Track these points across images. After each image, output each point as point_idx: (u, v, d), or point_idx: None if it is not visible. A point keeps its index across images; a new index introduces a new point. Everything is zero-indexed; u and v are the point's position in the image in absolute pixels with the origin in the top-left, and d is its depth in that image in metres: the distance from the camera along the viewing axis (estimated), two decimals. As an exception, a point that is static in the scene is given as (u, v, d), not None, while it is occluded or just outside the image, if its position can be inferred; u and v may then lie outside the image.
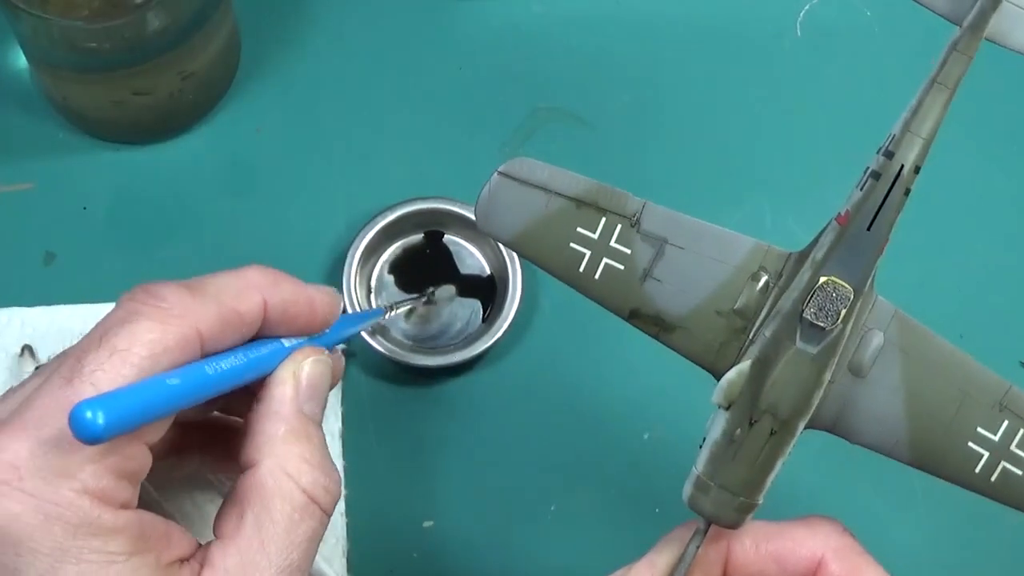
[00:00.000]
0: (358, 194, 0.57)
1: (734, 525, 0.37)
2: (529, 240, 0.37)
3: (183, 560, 0.35)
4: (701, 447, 0.37)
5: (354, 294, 0.54)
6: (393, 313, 0.53)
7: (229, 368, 0.36)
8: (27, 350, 0.53)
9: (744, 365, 0.36)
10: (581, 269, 0.37)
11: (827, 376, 0.36)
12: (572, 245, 0.37)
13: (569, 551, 0.53)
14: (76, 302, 0.54)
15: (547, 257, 0.37)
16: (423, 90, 0.60)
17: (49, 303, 0.54)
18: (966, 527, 0.55)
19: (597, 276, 0.37)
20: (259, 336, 0.38)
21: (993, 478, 0.37)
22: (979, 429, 0.37)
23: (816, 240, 0.37)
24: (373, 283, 0.56)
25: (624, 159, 0.59)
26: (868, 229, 0.36)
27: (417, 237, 0.57)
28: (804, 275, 0.36)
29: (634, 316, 0.38)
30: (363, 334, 0.53)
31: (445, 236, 0.57)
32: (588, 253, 0.37)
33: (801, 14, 0.62)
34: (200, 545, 0.36)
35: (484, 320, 0.56)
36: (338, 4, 0.61)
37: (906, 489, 0.55)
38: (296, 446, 0.37)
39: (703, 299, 0.37)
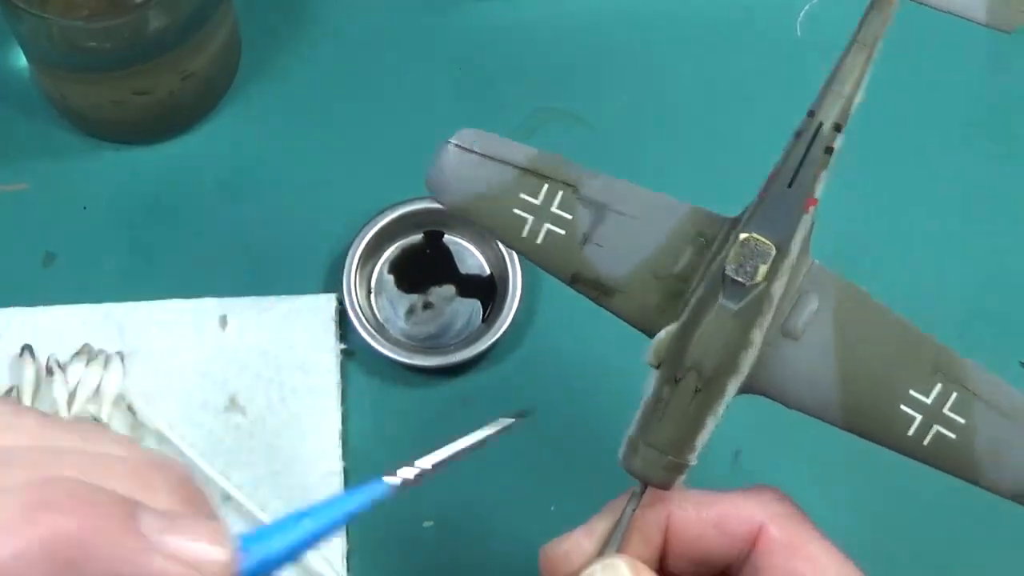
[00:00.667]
0: (358, 194, 0.57)
1: (664, 485, 0.37)
2: (478, 207, 0.38)
3: None
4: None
5: (354, 294, 0.54)
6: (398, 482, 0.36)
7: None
8: (27, 350, 0.53)
9: (674, 325, 0.37)
10: (524, 234, 0.38)
11: (755, 336, 0.36)
12: (515, 211, 0.38)
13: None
14: (76, 302, 0.54)
15: (494, 222, 0.38)
16: (423, 90, 0.60)
17: (49, 303, 0.54)
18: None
19: (539, 241, 0.38)
20: None
21: (926, 442, 0.36)
22: (912, 392, 0.36)
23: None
24: (373, 283, 0.56)
25: (624, 159, 0.59)
26: (789, 186, 0.36)
27: (417, 237, 0.57)
28: (732, 235, 0.37)
29: (576, 280, 0.38)
30: (363, 334, 0.53)
31: (445, 236, 0.57)
32: (531, 218, 0.38)
33: (801, 14, 0.62)
34: None
35: (484, 320, 0.56)
36: (338, 4, 0.61)
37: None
38: None
39: (641, 262, 0.37)
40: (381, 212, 0.55)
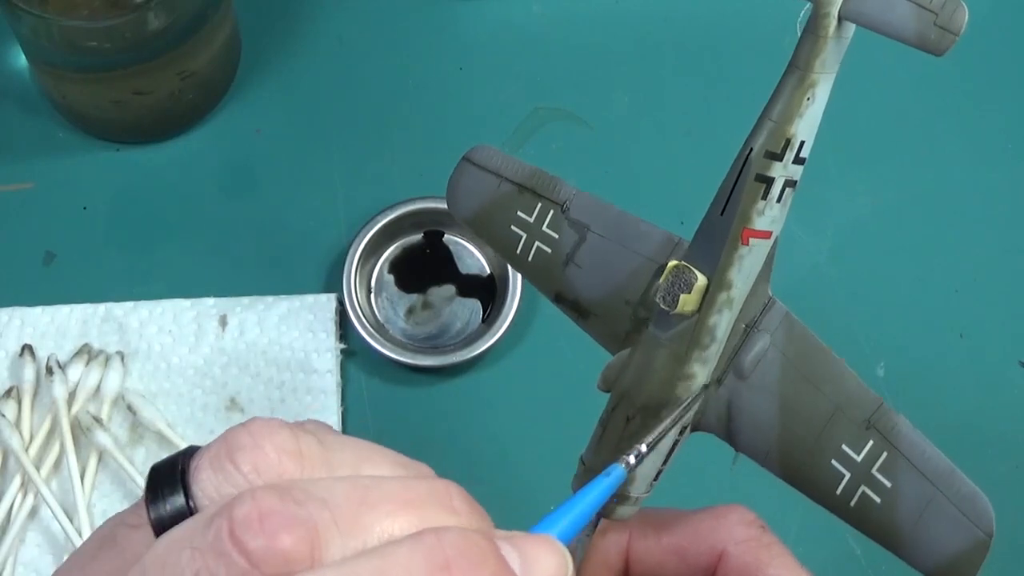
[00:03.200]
0: (358, 194, 0.57)
1: (607, 514, 0.35)
2: (481, 221, 0.39)
3: None
4: None
5: (354, 294, 0.54)
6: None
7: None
8: (27, 350, 0.53)
9: (626, 351, 0.36)
10: (518, 251, 0.39)
11: (693, 369, 0.34)
12: (512, 227, 0.39)
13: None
14: (76, 302, 0.54)
15: (493, 237, 0.39)
16: (423, 90, 0.60)
17: (49, 303, 0.54)
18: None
19: (530, 258, 0.38)
20: None
21: (852, 503, 0.33)
22: (844, 447, 0.33)
23: None
24: (373, 283, 0.56)
25: (624, 159, 0.59)
26: (721, 214, 0.34)
27: (417, 237, 0.57)
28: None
29: (558, 299, 0.39)
30: (363, 334, 0.53)
31: (445, 236, 0.57)
32: (524, 236, 0.39)
33: (801, 14, 0.62)
34: None
35: (484, 320, 0.56)
36: (338, 4, 0.61)
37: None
38: None
39: (613, 287, 0.37)
40: (381, 212, 0.55)
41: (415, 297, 0.56)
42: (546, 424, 0.55)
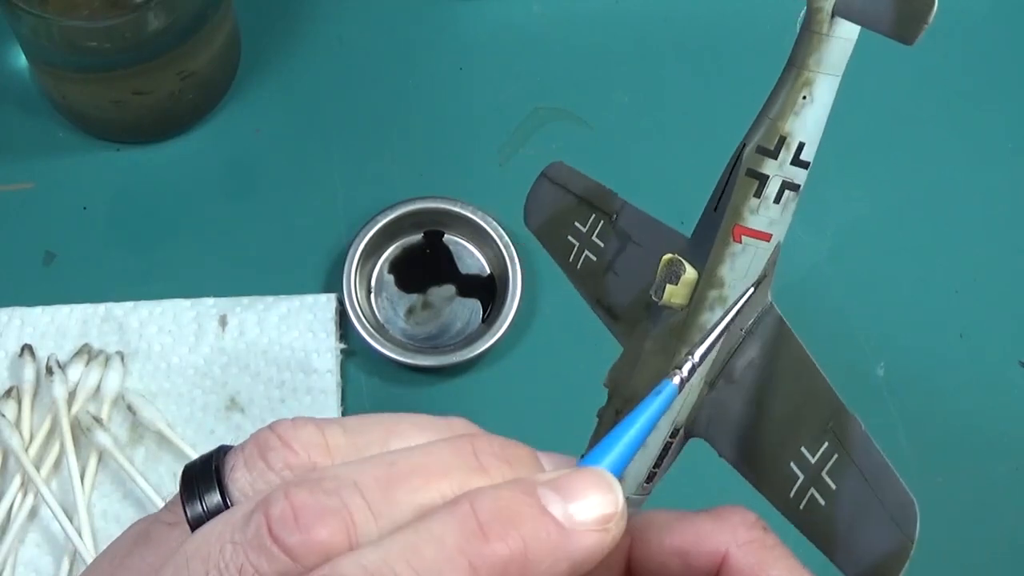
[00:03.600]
0: (358, 194, 0.57)
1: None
2: (545, 231, 0.41)
3: None
4: None
5: (354, 294, 0.54)
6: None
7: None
8: (27, 350, 0.53)
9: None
10: (570, 259, 0.40)
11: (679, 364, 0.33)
12: (568, 237, 0.40)
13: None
14: (76, 302, 0.54)
15: (553, 246, 0.40)
16: (423, 90, 0.60)
17: (49, 303, 0.54)
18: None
19: (579, 266, 0.40)
20: None
21: (801, 506, 0.33)
22: (802, 449, 0.33)
23: None
24: (373, 283, 0.56)
25: (624, 159, 0.59)
26: (715, 210, 0.34)
27: (417, 237, 0.57)
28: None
29: (597, 306, 0.39)
30: (363, 334, 0.53)
31: (445, 236, 0.57)
32: (576, 244, 0.40)
33: (801, 14, 0.62)
34: None
35: (484, 320, 0.56)
36: (338, 4, 0.61)
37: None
38: None
39: (638, 292, 0.37)
40: (381, 212, 0.55)
41: (415, 297, 0.56)
42: (546, 424, 0.55)
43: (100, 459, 0.52)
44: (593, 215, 0.40)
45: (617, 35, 0.62)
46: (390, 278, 0.56)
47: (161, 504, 0.51)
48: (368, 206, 0.56)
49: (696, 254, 0.34)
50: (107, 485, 0.52)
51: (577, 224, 0.40)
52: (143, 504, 0.51)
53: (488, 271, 0.56)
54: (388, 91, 0.60)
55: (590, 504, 0.28)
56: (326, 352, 0.54)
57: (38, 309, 0.54)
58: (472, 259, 0.57)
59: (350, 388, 0.55)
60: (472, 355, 0.54)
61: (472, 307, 0.56)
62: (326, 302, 0.55)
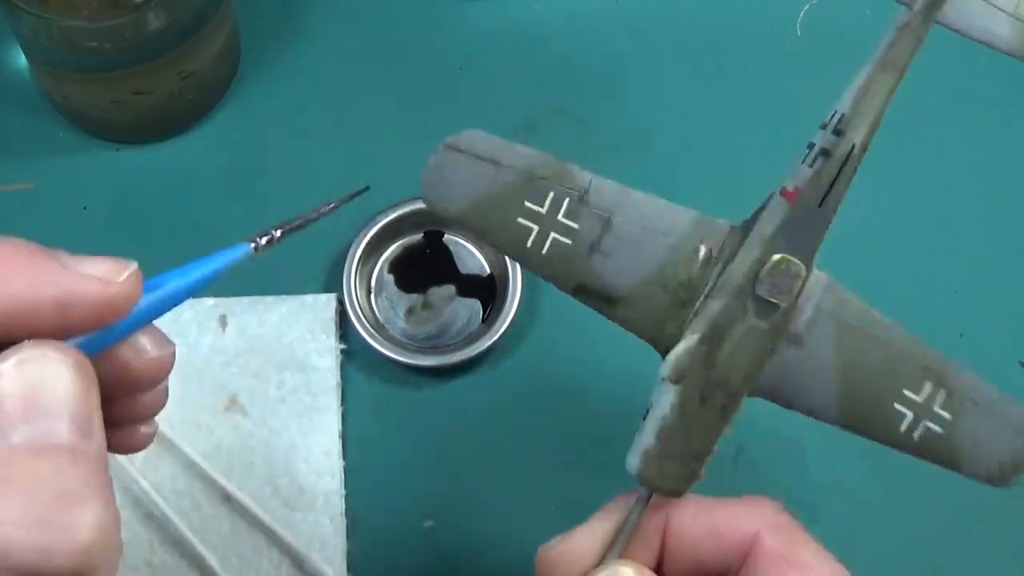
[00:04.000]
0: (358, 194, 0.57)
1: (678, 494, 0.38)
2: (477, 215, 0.37)
3: None
4: (645, 418, 0.38)
5: (354, 294, 0.54)
6: (262, 242, 0.40)
7: None
8: (27, 350, 0.53)
9: (692, 340, 0.37)
10: (529, 244, 0.37)
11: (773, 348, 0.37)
12: (520, 220, 0.37)
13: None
14: (76, 302, 0.54)
15: (495, 232, 0.37)
16: (423, 90, 0.60)
17: (49, 303, 0.54)
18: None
19: (544, 251, 0.37)
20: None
21: (916, 436, 0.38)
22: (905, 391, 0.38)
23: (757, 213, 0.37)
24: (373, 283, 0.56)
25: (624, 159, 0.59)
26: (819, 206, 0.37)
27: (417, 237, 0.57)
28: (752, 250, 0.37)
29: (580, 291, 0.38)
30: (363, 334, 0.53)
31: (445, 236, 0.57)
32: (536, 228, 0.37)
33: (801, 14, 0.62)
34: None
35: (484, 320, 0.56)
36: (338, 4, 0.61)
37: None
38: None
39: (648, 273, 0.37)
40: (381, 212, 0.55)
41: (415, 297, 0.56)
42: (546, 424, 0.55)
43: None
44: (552, 192, 0.37)
45: (617, 35, 0.62)
46: (390, 278, 0.56)
47: (160, 503, 0.51)
48: (368, 206, 0.56)
49: (795, 249, 0.36)
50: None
51: (530, 204, 0.37)
52: (143, 504, 0.51)
53: (488, 271, 0.57)
54: (388, 91, 0.60)
55: (102, 264, 0.30)
56: (326, 352, 0.54)
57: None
58: (472, 259, 0.57)
59: (350, 388, 0.55)
60: (472, 355, 0.54)
61: (472, 307, 0.56)
62: (326, 302, 0.55)
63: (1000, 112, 0.61)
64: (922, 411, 0.38)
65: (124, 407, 0.33)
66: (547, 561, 0.38)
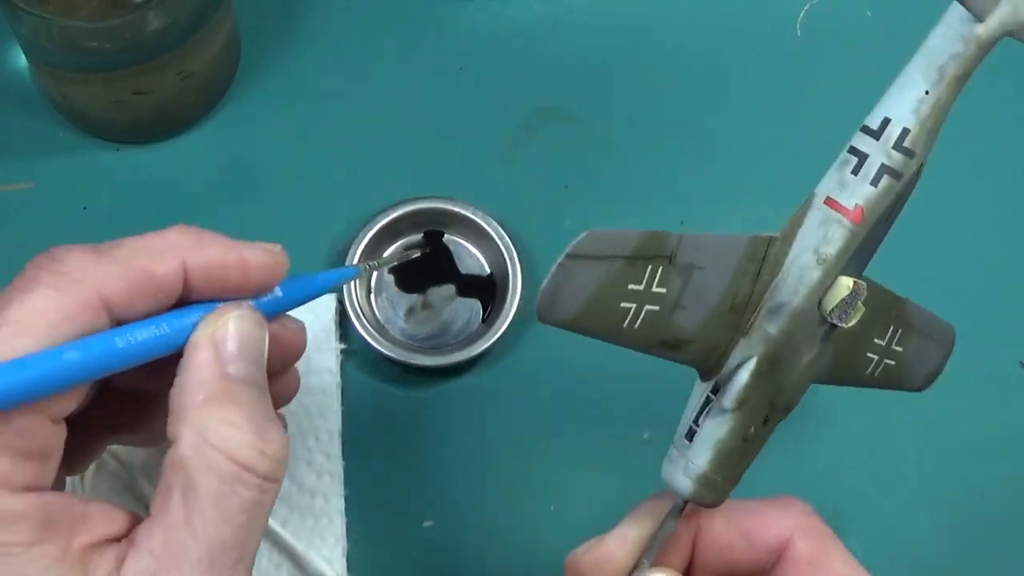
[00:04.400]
0: (358, 194, 0.57)
1: (718, 504, 0.38)
2: (587, 315, 0.34)
3: (110, 541, 0.32)
4: (691, 438, 0.37)
5: (354, 294, 0.54)
6: (375, 271, 0.50)
7: (142, 338, 0.33)
8: (27, 350, 0.53)
9: (751, 365, 0.36)
10: (625, 324, 0.35)
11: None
12: (623, 304, 0.35)
13: (569, 550, 0.53)
14: (76, 302, 0.54)
15: (600, 325, 0.35)
16: (423, 90, 0.60)
17: (49, 303, 0.54)
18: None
19: (637, 325, 0.35)
20: (187, 303, 0.36)
21: (876, 374, 0.41)
22: (875, 340, 0.40)
23: (800, 222, 0.37)
24: (373, 283, 0.56)
25: (624, 159, 0.59)
26: (884, 223, 0.37)
27: (417, 237, 0.57)
28: (808, 269, 0.36)
29: (654, 348, 0.36)
30: (363, 334, 0.53)
31: (445, 236, 0.57)
32: (634, 307, 0.35)
33: (801, 14, 0.62)
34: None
35: (484, 320, 0.56)
36: (338, 4, 0.61)
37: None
38: (219, 412, 0.33)
39: (712, 309, 0.36)
40: (381, 212, 0.55)
41: (415, 297, 0.56)
42: (546, 424, 0.55)
43: (100, 459, 0.52)
44: (649, 267, 0.34)
45: (618, 35, 0.62)
46: (390, 278, 0.56)
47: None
48: (368, 206, 0.56)
49: (857, 266, 0.37)
50: (107, 485, 0.52)
51: (632, 286, 0.34)
52: (144, 504, 0.51)
53: (488, 271, 0.56)
54: (388, 91, 0.60)
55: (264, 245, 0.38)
56: (326, 352, 0.54)
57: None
58: (472, 259, 0.57)
59: (350, 388, 0.55)
60: (472, 355, 0.54)
61: (472, 307, 0.56)
62: (326, 302, 0.55)
63: (1001, 112, 0.61)
64: (884, 352, 0.40)
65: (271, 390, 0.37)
66: (578, 567, 0.38)
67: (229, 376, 0.34)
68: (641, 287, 0.34)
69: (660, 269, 0.35)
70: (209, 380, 0.34)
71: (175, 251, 0.35)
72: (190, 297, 0.35)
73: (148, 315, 0.34)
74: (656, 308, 0.35)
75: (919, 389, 0.43)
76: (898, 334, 0.40)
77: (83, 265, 0.33)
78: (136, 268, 0.34)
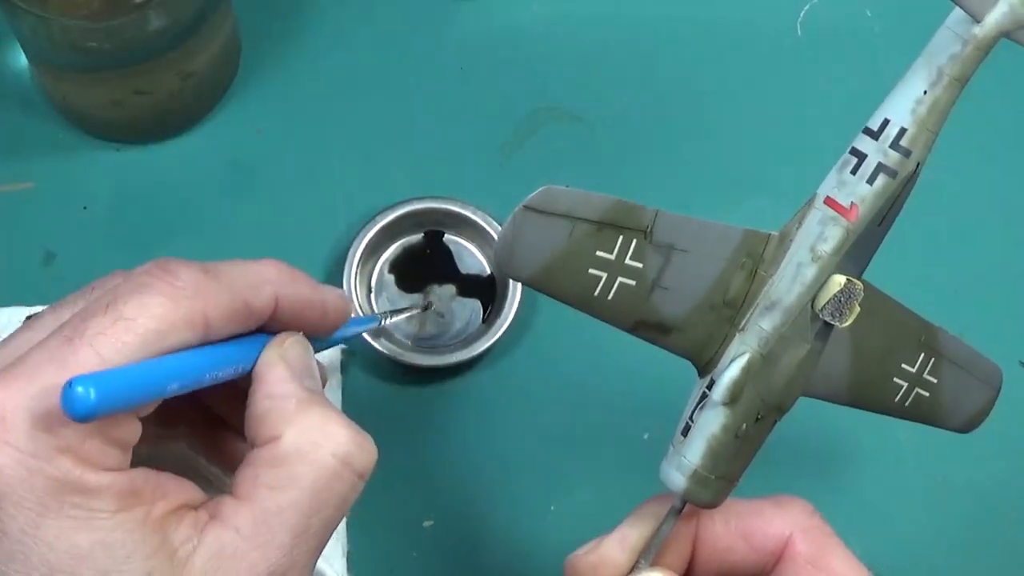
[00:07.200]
0: (358, 194, 0.57)
1: (716, 505, 0.38)
2: (550, 275, 0.35)
3: (187, 508, 0.34)
4: (686, 434, 0.37)
5: (354, 294, 0.54)
6: (390, 321, 0.53)
7: (226, 358, 0.36)
8: (27, 350, 0.53)
9: (743, 360, 0.36)
10: (596, 293, 0.35)
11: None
12: (591, 270, 0.35)
13: (569, 551, 0.53)
14: (76, 302, 0.54)
15: (566, 288, 0.35)
16: (423, 90, 0.60)
17: (49, 303, 0.54)
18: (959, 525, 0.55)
19: (610, 296, 0.36)
20: (260, 331, 0.38)
21: (907, 403, 0.40)
22: (903, 365, 0.39)
23: (800, 222, 0.37)
24: (373, 283, 0.56)
25: (624, 159, 0.59)
26: (879, 225, 0.36)
27: (417, 237, 0.57)
28: (803, 267, 0.36)
29: (637, 327, 0.37)
30: (363, 334, 0.53)
31: (445, 236, 0.57)
32: (604, 275, 0.35)
33: (801, 14, 0.62)
34: (209, 497, 0.35)
35: (484, 320, 0.56)
36: (338, 4, 0.61)
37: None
38: (320, 413, 0.36)
39: (700, 298, 0.37)
40: (381, 212, 0.55)
41: (415, 297, 0.56)
42: (546, 424, 0.55)
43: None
44: (621, 237, 0.35)
45: (618, 35, 0.62)
46: (390, 278, 0.56)
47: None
48: (368, 206, 0.56)
49: (852, 266, 0.36)
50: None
51: (601, 253, 0.35)
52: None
53: (488, 271, 0.56)
54: (388, 91, 0.60)
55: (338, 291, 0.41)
56: (326, 352, 0.54)
57: (38, 309, 0.54)
58: (472, 259, 0.57)
59: (350, 388, 0.55)
60: (472, 355, 0.54)
61: (472, 307, 0.56)
62: (326, 302, 0.55)
63: (1000, 111, 0.61)
64: (915, 380, 0.39)
65: None
66: (577, 569, 0.38)
67: (307, 388, 0.37)
68: (612, 256, 0.35)
69: (634, 242, 0.35)
70: (295, 391, 0.36)
71: (271, 284, 0.37)
72: (266, 327, 0.38)
73: (229, 338, 0.36)
74: (632, 283, 0.36)
75: (961, 430, 0.42)
76: (930, 362, 0.39)
77: (196, 282, 0.35)
78: (239, 297, 0.36)
